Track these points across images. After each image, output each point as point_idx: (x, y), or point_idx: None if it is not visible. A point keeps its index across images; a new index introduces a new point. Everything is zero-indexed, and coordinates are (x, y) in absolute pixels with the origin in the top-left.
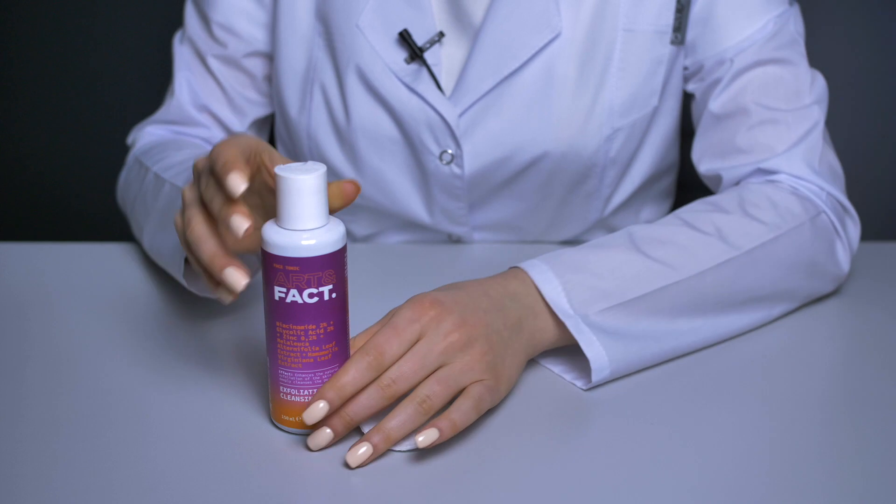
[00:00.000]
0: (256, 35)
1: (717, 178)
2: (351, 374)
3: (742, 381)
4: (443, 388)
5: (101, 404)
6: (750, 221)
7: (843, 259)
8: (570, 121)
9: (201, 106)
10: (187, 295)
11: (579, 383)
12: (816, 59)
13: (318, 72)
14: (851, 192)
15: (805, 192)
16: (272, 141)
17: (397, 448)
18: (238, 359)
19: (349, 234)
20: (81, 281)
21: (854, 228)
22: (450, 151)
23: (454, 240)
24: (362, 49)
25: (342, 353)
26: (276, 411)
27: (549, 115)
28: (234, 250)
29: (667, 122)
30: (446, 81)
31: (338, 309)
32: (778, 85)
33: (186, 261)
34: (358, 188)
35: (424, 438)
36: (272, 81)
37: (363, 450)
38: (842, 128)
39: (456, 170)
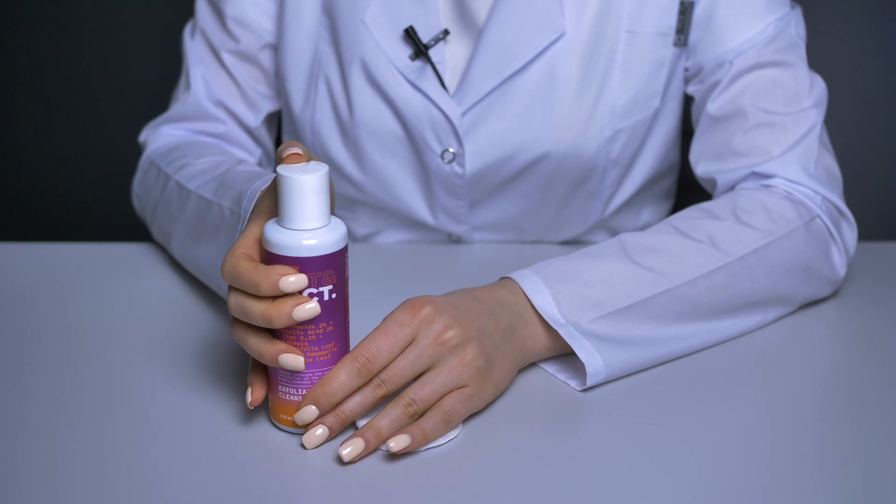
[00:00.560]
0: (268, 27)
1: (712, 182)
2: (341, 380)
3: (738, 381)
4: (428, 393)
5: (101, 404)
6: (742, 228)
7: (839, 263)
8: (571, 121)
9: (217, 101)
10: (187, 295)
11: (574, 384)
12: (816, 59)
13: (323, 65)
14: (851, 193)
15: (799, 197)
16: (280, 136)
17: (385, 447)
18: (238, 358)
19: (349, 233)
20: (82, 281)
21: (850, 232)
22: (451, 150)
23: (454, 240)
24: (367, 44)
25: (342, 354)
26: (275, 411)
27: (551, 116)
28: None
29: (668, 123)
30: (450, 79)
31: (338, 309)
32: (776, 88)
33: None
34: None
35: (395, 444)
36: (278, 75)
37: (357, 444)
38: (841, 128)
39: (457, 168)
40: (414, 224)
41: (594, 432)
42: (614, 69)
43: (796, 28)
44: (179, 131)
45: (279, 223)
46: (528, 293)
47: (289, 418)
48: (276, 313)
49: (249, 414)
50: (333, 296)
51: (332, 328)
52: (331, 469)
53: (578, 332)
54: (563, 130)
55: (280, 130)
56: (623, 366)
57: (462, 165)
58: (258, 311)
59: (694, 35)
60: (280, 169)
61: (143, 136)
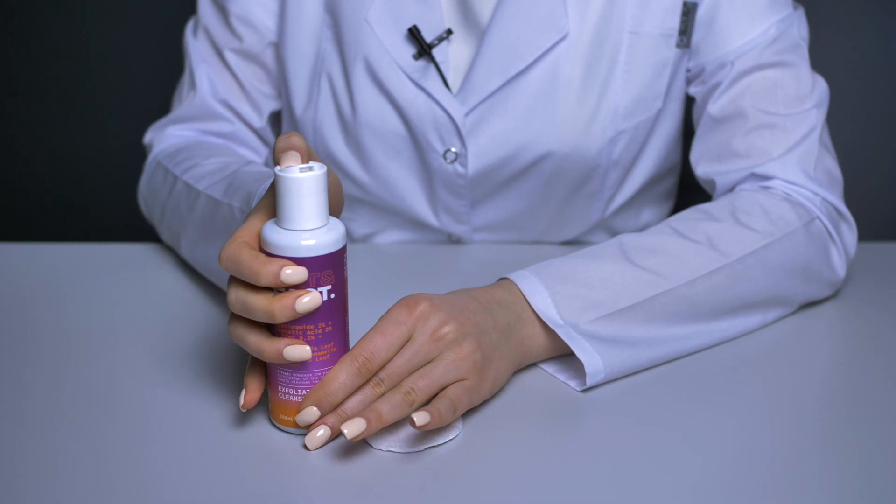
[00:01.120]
0: (271, 26)
1: (712, 183)
2: (341, 380)
3: (738, 381)
4: (426, 384)
5: (101, 404)
6: (741, 229)
7: (839, 265)
8: (574, 122)
9: (222, 100)
10: (188, 295)
11: (573, 384)
12: (817, 60)
13: (326, 64)
14: (851, 194)
15: (798, 199)
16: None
17: (411, 449)
18: (238, 359)
19: (348, 233)
20: (82, 281)
21: (850, 234)
22: (454, 150)
23: (454, 240)
24: (370, 43)
25: (341, 353)
26: (275, 411)
27: (553, 116)
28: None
29: (670, 124)
30: (453, 79)
31: (337, 310)
32: (777, 89)
33: None
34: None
35: (418, 419)
36: (280, 74)
37: (359, 424)
38: (842, 128)
39: (460, 168)
40: (414, 224)
41: (594, 432)
42: (617, 70)
43: (799, 29)
44: (186, 132)
45: (277, 224)
46: (526, 294)
47: (289, 419)
48: (279, 306)
49: (250, 414)
50: (332, 296)
51: (331, 328)
52: (331, 469)
53: (577, 332)
54: (566, 131)
55: (281, 131)
56: (622, 366)
57: (464, 165)
58: (260, 304)
59: (696, 36)
60: (278, 169)
61: (148, 137)
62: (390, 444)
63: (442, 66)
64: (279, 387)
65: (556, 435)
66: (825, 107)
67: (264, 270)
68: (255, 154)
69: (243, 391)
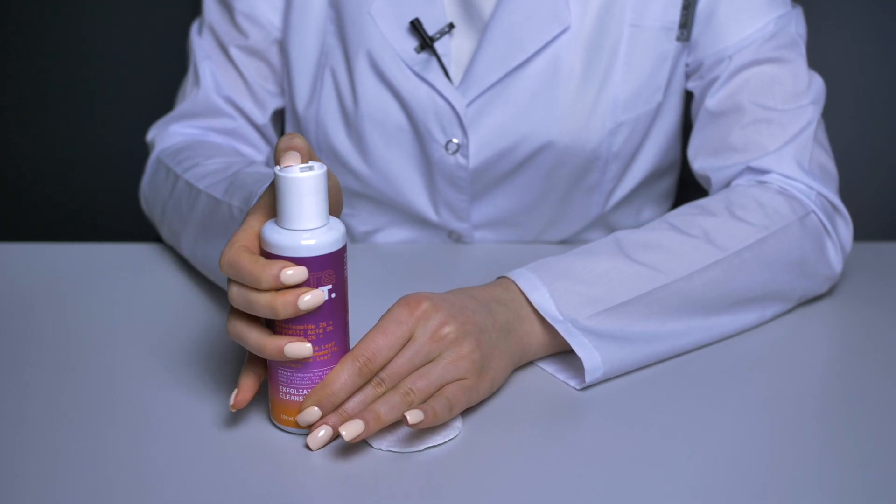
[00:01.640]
0: (276, 23)
1: (707, 179)
2: (342, 380)
3: (737, 381)
4: (425, 384)
5: (102, 404)
6: (737, 223)
7: (835, 259)
8: (574, 113)
9: (225, 97)
10: (188, 295)
11: (573, 383)
12: (816, 59)
13: (330, 58)
14: (851, 193)
15: (793, 192)
16: (283, 132)
17: (410, 449)
18: (238, 359)
19: (348, 231)
20: (82, 281)
21: (846, 229)
22: (455, 141)
23: (454, 238)
24: (373, 37)
25: (342, 353)
26: (276, 411)
27: (553, 107)
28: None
29: (670, 119)
30: (454, 72)
31: (337, 309)
32: (774, 85)
33: None
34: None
35: (411, 417)
36: (284, 70)
37: (357, 425)
38: (842, 128)
39: (461, 160)
40: (415, 220)
41: (592, 432)
42: (617, 62)
43: (797, 26)
44: (189, 129)
45: (278, 223)
46: (525, 291)
47: (289, 418)
48: (282, 301)
49: (249, 415)
50: (333, 295)
51: (331, 328)
52: (331, 469)
53: (576, 328)
54: (566, 122)
55: (283, 129)
56: (621, 363)
57: (466, 156)
58: (263, 301)
59: (695, 31)
60: (277, 169)
61: (151, 135)
62: (390, 444)
63: (444, 59)
64: (280, 386)
65: (554, 435)
66: (821, 103)
67: (264, 274)
68: (256, 151)
69: (235, 390)
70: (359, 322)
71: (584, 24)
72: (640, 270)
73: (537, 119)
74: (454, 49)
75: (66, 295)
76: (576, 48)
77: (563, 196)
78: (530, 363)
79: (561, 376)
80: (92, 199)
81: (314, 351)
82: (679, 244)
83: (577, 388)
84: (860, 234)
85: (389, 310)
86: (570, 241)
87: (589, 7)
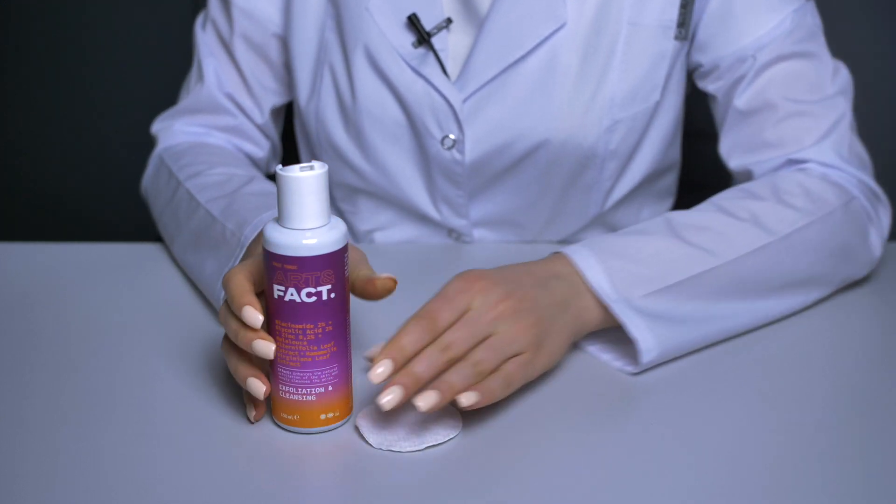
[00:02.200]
0: (275, 18)
1: (748, 174)
2: (409, 336)
3: (742, 383)
4: (493, 356)
5: (102, 404)
6: (784, 208)
7: (876, 244)
8: (570, 110)
9: (227, 94)
10: (188, 295)
11: (629, 368)
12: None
13: (329, 54)
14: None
15: (836, 179)
16: (288, 130)
17: (411, 448)
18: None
19: (350, 229)
20: (82, 281)
21: (885, 214)
22: (452, 136)
23: (454, 237)
24: (370, 31)
25: (341, 354)
26: (276, 409)
27: (550, 104)
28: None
29: (668, 117)
30: (451, 67)
31: (337, 309)
32: (801, 78)
33: None
34: (394, 282)
35: (465, 400)
36: (286, 66)
37: (432, 396)
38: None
39: (457, 155)
40: (414, 217)
41: (593, 433)
42: (614, 60)
43: (812, 17)
44: (193, 128)
45: (279, 223)
46: (580, 268)
47: (290, 417)
48: (242, 335)
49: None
50: (332, 295)
51: (331, 328)
52: (331, 469)
53: (630, 308)
54: (562, 118)
55: (291, 123)
56: (674, 344)
57: (462, 152)
58: (231, 328)
59: (708, 32)
60: (279, 168)
61: (155, 127)
62: (390, 444)
63: (441, 55)
64: (279, 385)
65: (556, 435)
66: (851, 92)
67: (234, 304)
68: (258, 148)
69: (250, 406)
70: (359, 322)
71: (581, 21)
72: (692, 252)
73: (534, 116)
74: (451, 44)
75: (66, 295)
76: (573, 45)
77: (561, 194)
78: (581, 349)
79: (617, 364)
80: (92, 199)
81: (313, 350)
82: (729, 226)
83: (633, 372)
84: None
85: (449, 282)
86: (569, 241)
87: (586, 4)
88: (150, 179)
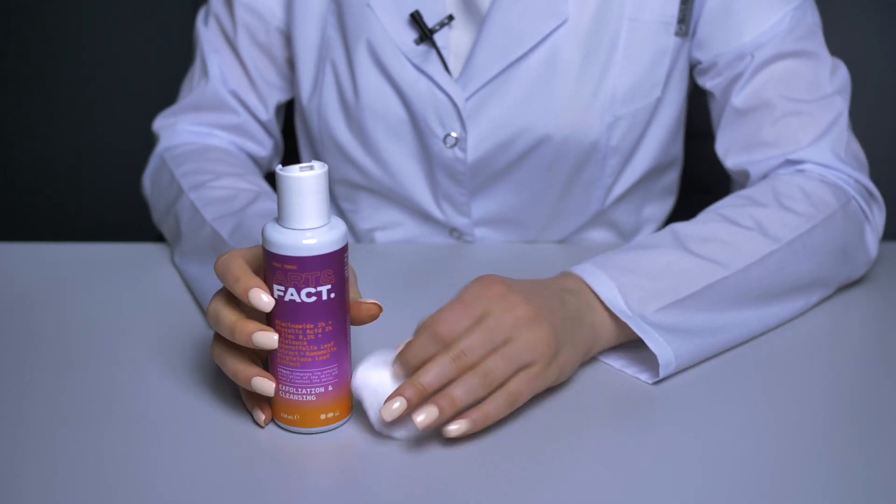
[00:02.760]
0: (278, 14)
1: (745, 174)
2: (416, 346)
3: (744, 384)
4: (505, 364)
5: (102, 404)
6: (786, 213)
7: (872, 244)
8: (572, 106)
9: (231, 91)
10: (188, 295)
11: (643, 377)
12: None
13: (331, 50)
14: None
15: (834, 180)
16: (289, 127)
17: (395, 435)
18: None
19: (351, 228)
20: (82, 281)
21: (880, 213)
22: (454, 134)
23: (455, 236)
24: (373, 28)
25: (341, 354)
26: (276, 409)
27: (551, 100)
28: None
29: (670, 114)
30: (454, 65)
31: (337, 309)
32: (799, 76)
33: None
34: (380, 308)
35: (455, 428)
36: (289, 63)
37: (431, 412)
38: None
39: (459, 153)
40: (416, 216)
41: (593, 437)
42: (616, 56)
43: (812, 16)
44: (194, 127)
45: (279, 223)
46: (593, 286)
47: (289, 417)
48: (239, 328)
49: (250, 415)
50: (332, 295)
51: (330, 328)
52: (334, 470)
53: (646, 323)
54: (564, 114)
55: (292, 120)
56: (690, 356)
57: (464, 150)
58: (226, 322)
59: (707, 29)
60: (278, 169)
61: (157, 125)
62: (449, 428)
63: (443, 52)
64: (280, 385)
65: (562, 440)
66: (848, 92)
67: (239, 287)
68: (261, 147)
69: (256, 410)
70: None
71: (583, 18)
72: (700, 263)
73: (535, 112)
74: (453, 42)
75: (66, 295)
76: (574, 42)
77: (563, 191)
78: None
79: (630, 371)
80: (92, 199)
81: (313, 351)
82: (735, 236)
83: (650, 382)
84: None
85: (465, 287)
86: (570, 240)
87: (587, 1)
88: (150, 178)
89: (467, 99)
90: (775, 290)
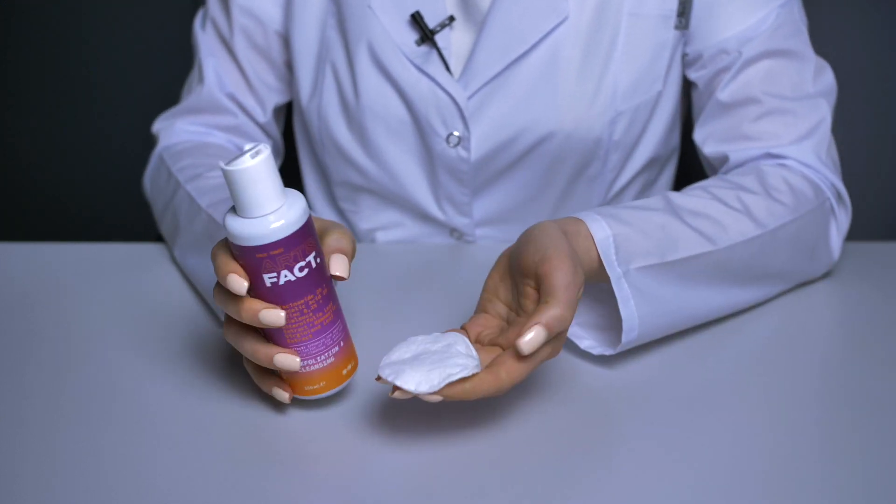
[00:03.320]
0: (276, 16)
1: (724, 159)
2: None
3: (735, 384)
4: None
5: (102, 404)
6: (773, 202)
7: (836, 246)
8: (574, 103)
9: (228, 94)
10: (188, 295)
11: (599, 350)
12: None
13: (331, 51)
14: (853, 192)
15: (814, 179)
16: (288, 129)
17: (420, 392)
18: (238, 358)
19: (352, 229)
20: (82, 281)
21: (846, 217)
22: (457, 134)
23: (456, 236)
24: (373, 29)
25: (338, 308)
26: (298, 385)
27: (553, 98)
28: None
29: (669, 107)
30: (454, 65)
31: (324, 270)
32: (785, 75)
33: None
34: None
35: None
36: (288, 65)
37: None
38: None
39: (462, 153)
40: (417, 216)
41: (589, 434)
42: (616, 52)
43: (799, 14)
44: (193, 127)
45: (239, 214)
46: (591, 230)
47: (316, 386)
48: (246, 308)
49: (249, 414)
50: (318, 260)
51: (326, 290)
52: (336, 469)
53: (625, 279)
54: (566, 111)
55: (290, 122)
56: (653, 327)
57: (467, 149)
58: (233, 306)
59: (695, 22)
60: (225, 165)
61: (157, 127)
62: (418, 385)
63: (444, 52)
64: (301, 360)
65: (556, 437)
66: (834, 94)
67: (218, 274)
68: None
69: (275, 389)
70: (360, 322)
71: (583, 15)
72: (691, 234)
73: (538, 110)
74: (454, 42)
75: (66, 295)
76: (574, 39)
77: (565, 188)
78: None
79: (583, 344)
80: (92, 199)
81: (319, 317)
82: (723, 215)
83: (609, 353)
84: (861, 235)
85: (558, 278)
86: None
87: None
88: (150, 178)
89: (469, 98)
90: (747, 274)
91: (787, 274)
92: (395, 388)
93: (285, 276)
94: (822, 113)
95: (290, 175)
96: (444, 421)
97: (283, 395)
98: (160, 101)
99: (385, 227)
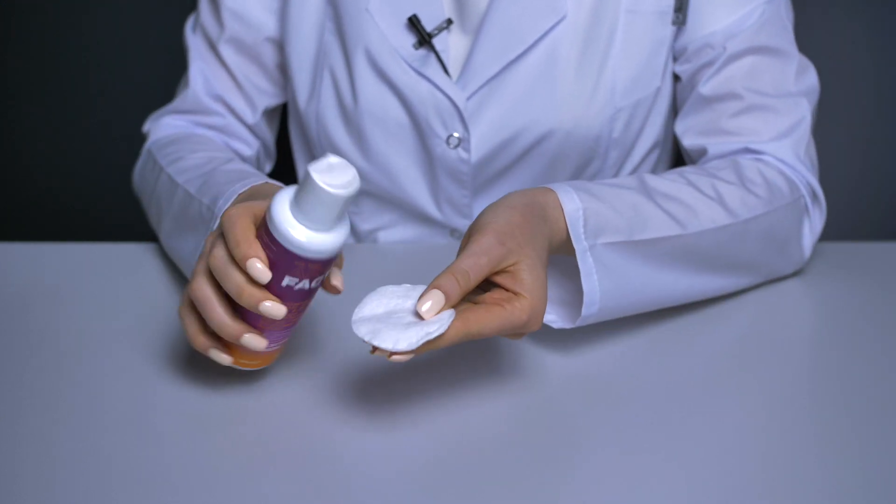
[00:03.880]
0: (267, 22)
1: (703, 151)
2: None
3: (726, 383)
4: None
5: (101, 404)
6: (747, 194)
7: (808, 244)
8: (573, 102)
9: (216, 96)
10: None
11: (560, 325)
12: (810, 54)
13: (328, 56)
14: (849, 193)
15: (790, 176)
16: (284, 131)
17: (403, 349)
18: None
19: (352, 229)
20: (82, 281)
21: (820, 217)
22: (457, 135)
23: (456, 236)
24: (371, 33)
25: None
26: (238, 355)
27: (552, 97)
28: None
29: (666, 102)
30: (452, 67)
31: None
32: (768, 72)
33: None
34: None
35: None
36: (283, 69)
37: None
38: (839, 126)
39: (462, 154)
40: (417, 217)
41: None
42: (614, 49)
43: (786, 11)
44: (181, 122)
45: (307, 226)
46: (562, 201)
47: (251, 362)
48: (249, 292)
49: (250, 413)
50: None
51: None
52: (335, 469)
53: (591, 255)
54: (565, 110)
55: (286, 125)
56: (614, 304)
57: (467, 150)
58: (234, 280)
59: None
60: (315, 175)
61: (147, 126)
62: (395, 344)
63: (442, 55)
64: (271, 343)
65: (554, 437)
66: (815, 94)
67: (239, 252)
68: (247, 147)
69: (214, 351)
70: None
71: (580, 13)
72: (661, 216)
73: (537, 110)
74: (452, 45)
75: (65, 295)
76: (572, 37)
77: None
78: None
79: (556, 326)
80: (92, 199)
81: (297, 317)
82: (696, 201)
83: (570, 327)
84: (853, 235)
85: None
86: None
87: None
88: (138, 172)
89: (468, 99)
90: (715, 262)
91: (755, 266)
92: (375, 347)
93: (302, 285)
94: (803, 112)
95: (286, 178)
96: (415, 408)
97: (226, 358)
98: (160, 102)
99: (385, 227)
